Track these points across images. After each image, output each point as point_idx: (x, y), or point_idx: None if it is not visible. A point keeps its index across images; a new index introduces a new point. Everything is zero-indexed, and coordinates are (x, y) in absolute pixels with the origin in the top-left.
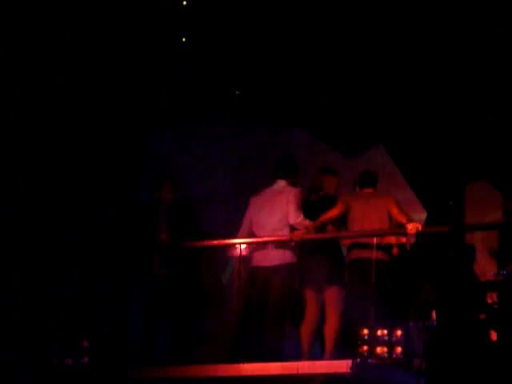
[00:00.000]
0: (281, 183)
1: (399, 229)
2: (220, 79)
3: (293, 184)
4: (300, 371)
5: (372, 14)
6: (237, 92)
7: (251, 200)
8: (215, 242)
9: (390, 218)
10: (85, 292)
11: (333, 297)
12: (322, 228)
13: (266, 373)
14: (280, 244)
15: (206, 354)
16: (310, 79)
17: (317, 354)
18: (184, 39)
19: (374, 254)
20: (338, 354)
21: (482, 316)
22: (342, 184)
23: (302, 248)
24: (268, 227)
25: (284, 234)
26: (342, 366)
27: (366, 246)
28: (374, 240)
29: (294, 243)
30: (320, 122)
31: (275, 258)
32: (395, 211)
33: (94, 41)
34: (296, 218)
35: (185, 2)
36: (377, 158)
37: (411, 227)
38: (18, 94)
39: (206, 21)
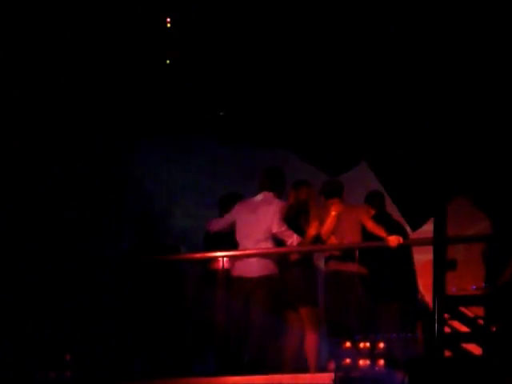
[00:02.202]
0: (267, 195)
1: (380, 242)
2: (204, 98)
3: (278, 196)
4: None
5: (352, 34)
6: (221, 113)
7: (237, 207)
8: (198, 255)
9: (362, 228)
10: (67, 305)
11: (307, 317)
12: None
13: None
14: (263, 254)
15: (190, 367)
16: (292, 99)
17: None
18: (168, 61)
19: (356, 268)
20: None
21: (465, 330)
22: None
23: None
24: (253, 237)
25: (267, 245)
26: (325, 378)
27: (342, 259)
28: (357, 253)
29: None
30: (302, 141)
31: (258, 268)
32: (370, 224)
33: (81, 51)
34: (279, 227)
35: (169, 25)
36: (361, 175)
37: (392, 240)
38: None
39: (190, 41)
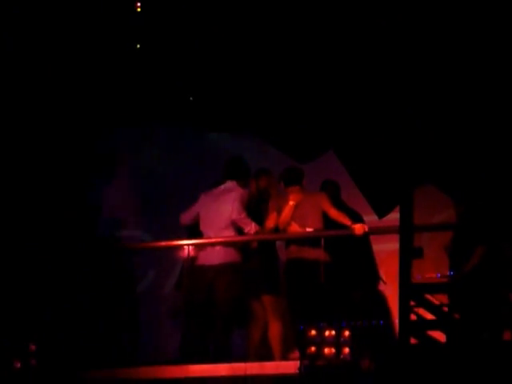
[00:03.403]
0: (230, 184)
1: (345, 230)
2: (174, 84)
3: (243, 185)
4: (248, 372)
5: (320, 23)
6: (190, 98)
7: (201, 197)
8: (163, 244)
9: (323, 214)
10: (32, 294)
11: (270, 305)
12: None
13: (214, 374)
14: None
15: (155, 355)
16: (262, 85)
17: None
18: (138, 45)
19: (318, 254)
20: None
21: (431, 317)
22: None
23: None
24: (215, 226)
25: (229, 233)
26: (290, 367)
27: (303, 245)
28: (322, 242)
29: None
30: (271, 127)
31: (220, 256)
32: (333, 211)
33: (53, 40)
34: (238, 214)
35: (139, 9)
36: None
37: (358, 228)
38: None
39: (160, 26)
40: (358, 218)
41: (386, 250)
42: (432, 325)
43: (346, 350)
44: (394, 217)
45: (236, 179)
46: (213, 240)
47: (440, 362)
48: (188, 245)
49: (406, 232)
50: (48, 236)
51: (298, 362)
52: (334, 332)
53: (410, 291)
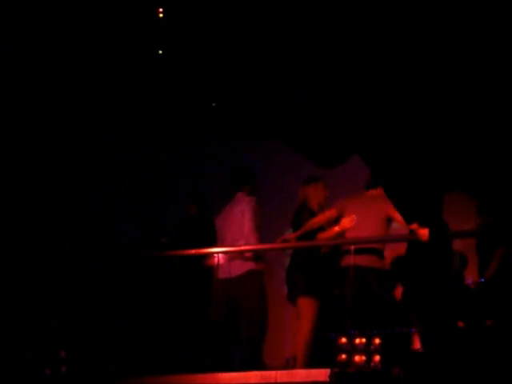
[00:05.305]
0: (238, 195)
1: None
2: (196, 90)
3: (251, 193)
4: (278, 380)
5: (346, 27)
6: (213, 104)
7: (217, 221)
8: (193, 251)
9: (387, 222)
10: (63, 302)
11: (305, 307)
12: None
13: (244, 382)
14: (239, 254)
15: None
16: (285, 90)
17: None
18: (160, 51)
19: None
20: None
21: (462, 324)
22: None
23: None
24: (228, 238)
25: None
26: (321, 374)
27: (360, 252)
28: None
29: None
30: (295, 132)
31: (235, 268)
32: (400, 218)
33: (73, 50)
34: (249, 225)
35: (161, 15)
36: (353, 168)
37: (424, 233)
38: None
39: (182, 32)
40: None
41: None
42: (463, 332)
43: (377, 357)
44: None
45: (241, 190)
46: (242, 248)
47: (470, 369)
48: (218, 253)
49: (436, 238)
50: (79, 241)
51: (328, 370)
52: (364, 340)
53: (442, 298)
